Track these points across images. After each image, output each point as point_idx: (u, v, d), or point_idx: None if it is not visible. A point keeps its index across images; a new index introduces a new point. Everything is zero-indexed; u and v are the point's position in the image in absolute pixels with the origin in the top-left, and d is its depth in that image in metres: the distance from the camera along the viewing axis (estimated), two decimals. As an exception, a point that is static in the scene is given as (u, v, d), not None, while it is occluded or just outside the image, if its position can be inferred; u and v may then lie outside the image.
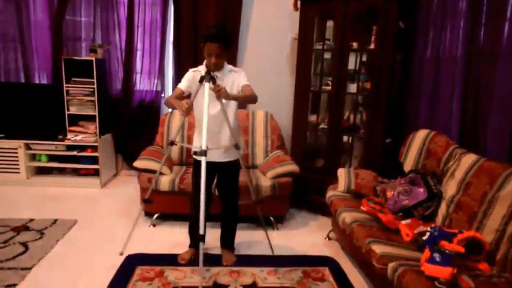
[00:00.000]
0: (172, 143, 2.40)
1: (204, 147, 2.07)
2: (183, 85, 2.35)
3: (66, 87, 3.82)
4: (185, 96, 2.38)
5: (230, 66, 2.39)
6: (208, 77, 2.09)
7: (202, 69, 2.32)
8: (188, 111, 2.20)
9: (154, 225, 3.14)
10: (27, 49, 4.04)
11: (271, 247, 2.71)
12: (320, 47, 3.47)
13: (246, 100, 2.44)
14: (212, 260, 2.59)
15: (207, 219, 2.63)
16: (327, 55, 3.50)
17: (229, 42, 2.27)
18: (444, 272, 1.68)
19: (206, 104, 2.09)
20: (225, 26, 2.36)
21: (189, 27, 3.89)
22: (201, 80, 2.13)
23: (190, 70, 2.40)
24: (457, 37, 2.70)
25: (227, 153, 2.45)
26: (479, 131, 2.50)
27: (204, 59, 2.29)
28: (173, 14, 3.97)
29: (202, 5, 3.84)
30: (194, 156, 2.47)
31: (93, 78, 3.77)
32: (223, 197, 2.61)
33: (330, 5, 3.27)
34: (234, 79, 2.34)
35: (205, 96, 2.09)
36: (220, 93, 2.07)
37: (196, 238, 2.64)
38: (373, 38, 3.18)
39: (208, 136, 2.14)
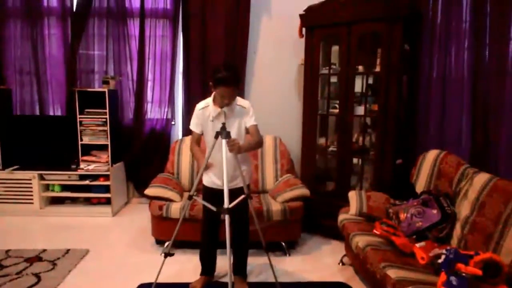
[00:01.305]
0: (190, 197, 2.37)
1: (226, 206, 2.12)
2: (196, 127, 2.45)
3: (80, 118, 3.92)
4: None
5: (238, 99, 2.42)
6: (225, 133, 2.14)
7: (210, 104, 2.39)
8: (206, 169, 2.34)
9: (165, 253, 3.12)
10: (42, 82, 4.17)
11: (274, 275, 2.59)
12: (326, 71, 3.52)
13: (253, 149, 2.52)
14: (224, 288, 2.55)
15: (217, 246, 2.62)
16: (334, 79, 3.55)
17: (240, 81, 2.35)
18: (462, 296, 1.63)
19: (224, 160, 2.14)
20: (234, 65, 2.44)
21: (197, 57, 4.00)
22: (216, 136, 2.18)
23: (198, 108, 2.44)
24: (462, 56, 2.73)
25: (236, 180, 2.48)
26: (490, 149, 2.47)
27: (212, 93, 2.35)
28: (182, 45, 4.09)
29: (210, 35, 3.97)
30: (205, 183, 2.51)
31: (105, 108, 3.87)
32: (234, 223, 2.58)
33: (335, 31, 3.34)
34: (242, 116, 2.40)
35: (222, 152, 2.14)
36: (233, 148, 2.16)
37: (207, 266, 2.63)
38: (378, 61, 3.22)
39: (220, 175, 2.27)
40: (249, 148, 2.40)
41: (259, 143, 2.47)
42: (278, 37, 4.04)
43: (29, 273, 2.72)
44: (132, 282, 2.63)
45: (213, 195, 2.46)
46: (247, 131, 2.42)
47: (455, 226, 2.32)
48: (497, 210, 2.03)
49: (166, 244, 3.16)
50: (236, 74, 2.29)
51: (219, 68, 2.25)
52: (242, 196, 2.32)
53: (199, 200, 2.34)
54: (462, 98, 2.70)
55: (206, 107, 2.40)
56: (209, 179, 2.50)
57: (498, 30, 2.41)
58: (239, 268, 2.65)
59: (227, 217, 2.08)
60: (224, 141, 2.14)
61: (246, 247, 2.66)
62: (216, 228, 2.55)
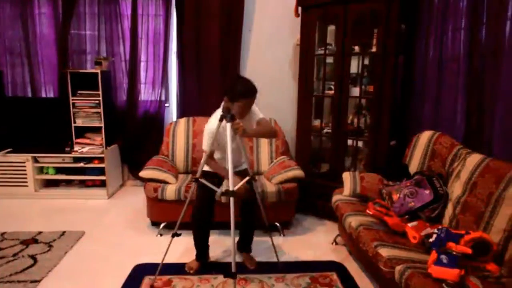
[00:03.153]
0: (197, 180, 2.38)
1: (231, 188, 2.11)
2: (209, 147, 2.38)
3: (72, 100, 3.87)
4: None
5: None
6: (229, 116, 2.13)
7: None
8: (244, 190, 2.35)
9: (161, 235, 3.15)
10: (34, 63, 4.11)
11: (276, 255, 2.69)
12: (322, 51, 3.48)
13: (264, 135, 2.50)
14: (218, 268, 2.58)
15: (211, 227, 2.64)
16: (329, 60, 3.51)
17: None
18: (452, 273, 1.66)
19: (229, 143, 2.12)
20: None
21: (192, 36, 3.93)
22: (221, 119, 2.16)
23: (211, 129, 2.33)
24: (459, 37, 2.70)
25: (241, 163, 2.58)
26: (485, 130, 2.48)
27: (222, 103, 2.31)
28: (176, 25, 4.02)
29: (204, 13, 3.89)
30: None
31: (98, 90, 3.82)
32: (242, 205, 2.59)
33: (331, 10, 3.28)
34: (251, 119, 2.43)
35: (227, 135, 2.13)
36: (238, 131, 2.15)
37: (202, 250, 2.66)
38: (374, 41, 3.18)
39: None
40: (256, 133, 2.41)
41: (271, 132, 2.51)
42: (274, 16, 3.97)
43: (25, 255, 2.74)
44: (128, 263, 2.66)
45: (212, 176, 2.47)
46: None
47: (447, 206, 2.35)
48: (488, 190, 2.05)
49: (162, 225, 3.18)
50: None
51: (236, 82, 2.30)
52: (247, 178, 2.35)
53: (205, 182, 2.34)
54: (458, 79, 2.68)
55: (219, 126, 2.28)
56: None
57: (495, 9, 2.38)
58: (247, 245, 2.73)
59: (232, 199, 2.09)
60: (228, 125, 2.13)
61: (254, 226, 2.70)
62: (212, 211, 2.57)
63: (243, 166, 2.61)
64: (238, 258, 2.73)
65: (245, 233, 2.72)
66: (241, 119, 2.29)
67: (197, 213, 2.52)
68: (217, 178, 2.51)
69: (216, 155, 2.53)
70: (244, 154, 2.40)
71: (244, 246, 2.75)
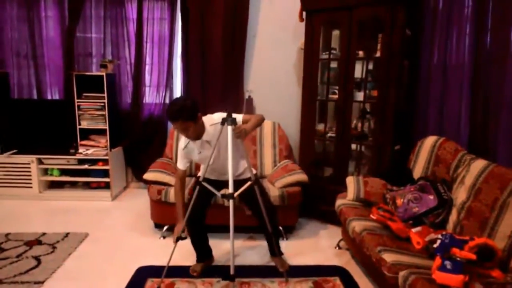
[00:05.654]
0: (199, 183, 2.34)
1: (231, 190, 2.10)
2: (183, 165, 2.47)
3: (78, 102, 3.89)
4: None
5: (209, 120, 2.37)
6: (230, 119, 2.10)
7: (187, 140, 2.39)
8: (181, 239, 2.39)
9: (164, 237, 3.15)
10: (40, 65, 4.14)
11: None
12: (326, 56, 3.49)
13: (258, 125, 2.43)
14: (221, 272, 2.58)
15: (207, 230, 2.68)
16: (334, 64, 3.52)
17: (190, 113, 2.20)
18: (456, 280, 1.66)
19: (230, 146, 2.10)
20: (186, 98, 2.35)
21: (196, 39, 3.95)
22: (223, 123, 2.13)
23: (180, 148, 2.44)
24: (464, 42, 2.70)
25: (239, 172, 2.59)
26: (489, 136, 2.47)
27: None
28: (181, 28, 4.04)
29: (209, 18, 3.91)
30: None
31: (103, 92, 3.84)
32: (255, 213, 2.59)
33: (336, 15, 3.30)
34: (212, 129, 2.34)
35: (228, 138, 2.11)
36: (240, 134, 2.14)
37: (203, 251, 2.66)
38: (379, 46, 3.19)
39: (221, 174, 2.44)
40: (253, 126, 2.33)
41: (260, 119, 2.40)
42: (278, 21, 3.98)
43: (29, 256, 2.75)
44: (131, 265, 2.67)
45: (210, 182, 2.46)
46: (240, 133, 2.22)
47: (451, 211, 2.34)
48: (493, 196, 2.04)
49: (165, 228, 3.19)
50: (181, 107, 2.18)
51: (169, 104, 2.28)
52: (248, 183, 2.31)
53: (206, 185, 2.34)
54: (462, 84, 2.68)
55: (187, 144, 2.40)
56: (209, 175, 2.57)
57: (500, 15, 2.38)
58: (272, 249, 2.71)
59: (231, 202, 2.09)
60: (230, 128, 2.10)
61: (274, 230, 2.60)
62: (204, 216, 2.60)
63: (241, 175, 2.59)
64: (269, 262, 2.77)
65: (268, 237, 2.69)
66: (196, 138, 2.32)
67: (189, 218, 2.43)
68: (217, 184, 2.52)
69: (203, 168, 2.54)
70: (246, 160, 2.38)
71: (271, 250, 2.76)
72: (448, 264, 1.74)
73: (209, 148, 2.34)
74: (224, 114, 2.22)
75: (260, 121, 2.42)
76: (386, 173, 3.06)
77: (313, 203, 3.51)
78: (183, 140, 2.42)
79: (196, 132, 2.29)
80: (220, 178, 2.56)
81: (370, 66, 3.41)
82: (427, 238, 2.16)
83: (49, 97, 4.22)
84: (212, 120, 2.38)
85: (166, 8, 4.03)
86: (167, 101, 4.18)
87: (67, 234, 3.13)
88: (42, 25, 4.09)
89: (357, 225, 2.45)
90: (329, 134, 3.60)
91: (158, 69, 4.15)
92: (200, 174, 2.60)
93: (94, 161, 3.96)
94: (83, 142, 4.02)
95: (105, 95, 3.84)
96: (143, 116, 4.21)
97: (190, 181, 3.33)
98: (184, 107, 2.19)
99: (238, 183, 2.35)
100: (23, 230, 3.18)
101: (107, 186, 4.02)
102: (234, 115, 2.15)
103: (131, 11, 4.06)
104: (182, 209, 2.46)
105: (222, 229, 2.63)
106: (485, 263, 1.85)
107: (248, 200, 2.57)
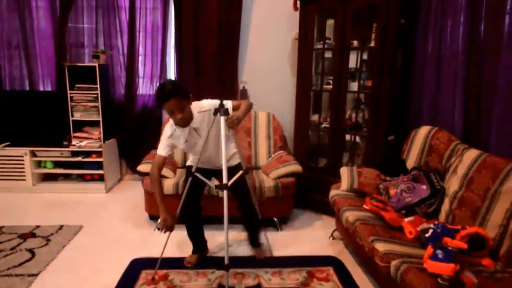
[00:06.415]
0: (192, 174, 2.35)
1: (225, 181, 2.09)
2: (164, 151, 2.34)
3: (70, 93, 3.85)
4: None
5: (197, 106, 2.28)
6: (223, 110, 2.08)
7: (174, 127, 2.31)
8: (169, 229, 2.32)
9: (158, 229, 3.14)
10: (31, 56, 4.09)
11: (270, 249, 2.71)
12: (321, 46, 3.46)
13: (248, 110, 2.39)
14: (215, 263, 2.59)
15: (203, 221, 2.67)
16: (328, 54, 3.50)
17: (185, 91, 2.17)
18: (447, 268, 1.67)
19: (223, 137, 2.09)
20: (176, 81, 2.31)
21: (190, 29, 3.91)
22: (215, 113, 2.11)
23: (166, 135, 2.35)
24: (458, 32, 2.68)
25: (230, 160, 2.54)
26: (482, 126, 2.47)
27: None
28: (174, 18, 3.99)
29: (202, 7, 3.86)
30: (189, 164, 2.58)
31: (96, 84, 3.80)
32: (238, 200, 2.57)
33: (330, 4, 3.26)
34: (210, 115, 2.22)
35: (221, 129, 2.09)
36: (233, 124, 2.13)
37: (198, 242, 2.67)
38: (373, 35, 3.17)
39: (211, 163, 2.42)
40: (245, 113, 2.29)
41: (249, 105, 2.36)
42: (272, 10, 3.94)
43: (23, 249, 2.75)
44: (125, 257, 2.67)
45: (199, 171, 2.43)
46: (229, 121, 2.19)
47: (443, 201, 2.36)
48: (485, 186, 2.05)
49: (159, 219, 3.18)
50: (177, 85, 2.19)
51: (159, 87, 2.18)
52: (240, 172, 2.34)
53: (199, 176, 2.33)
54: (456, 74, 2.67)
55: (173, 132, 2.32)
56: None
57: (494, 4, 2.36)
58: (254, 240, 2.76)
59: (225, 193, 2.08)
60: (222, 118, 2.09)
61: (256, 220, 2.62)
62: (198, 206, 2.59)
63: (232, 163, 2.54)
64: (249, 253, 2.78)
65: (249, 228, 2.76)
66: (185, 124, 2.24)
67: (185, 209, 2.45)
68: (209, 173, 2.50)
69: (191, 157, 2.56)
70: (237, 147, 2.39)
71: (251, 241, 2.79)
72: (439, 253, 1.75)
73: (196, 137, 2.32)
74: (212, 101, 2.22)
75: (250, 107, 2.37)
76: (380, 164, 3.07)
77: (308, 193, 3.51)
78: (169, 127, 2.34)
79: (187, 116, 2.21)
80: (208, 167, 2.50)
81: (365, 56, 3.39)
82: (419, 227, 2.18)
83: (41, 89, 4.17)
84: (201, 106, 2.29)
85: (159, -3, 3.97)
86: (160, 92, 4.14)
87: (61, 227, 3.12)
88: (33, 15, 4.02)
89: (350, 215, 2.46)
90: (323, 125, 3.59)
91: (152, 60, 4.11)
92: (189, 163, 2.59)
93: (87, 153, 3.94)
94: (77, 134, 3.99)
95: (98, 86, 3.80)
96: (136, 107, 4.18)
97: (183, 173, 3.31)
98: (178, 85, 2.18)
99: (228, 171, 2.33)
100: (17, 223, 3.17)
101: (101, 178, 4.00)
102: (224, 102, 2.13)
103: (123, 0, 4.00)
104: (161, 198, 2.34)
105: (216, 221, 2.63)
106: (476, 252, 1.87)
107: (235, 188, 2.52)
